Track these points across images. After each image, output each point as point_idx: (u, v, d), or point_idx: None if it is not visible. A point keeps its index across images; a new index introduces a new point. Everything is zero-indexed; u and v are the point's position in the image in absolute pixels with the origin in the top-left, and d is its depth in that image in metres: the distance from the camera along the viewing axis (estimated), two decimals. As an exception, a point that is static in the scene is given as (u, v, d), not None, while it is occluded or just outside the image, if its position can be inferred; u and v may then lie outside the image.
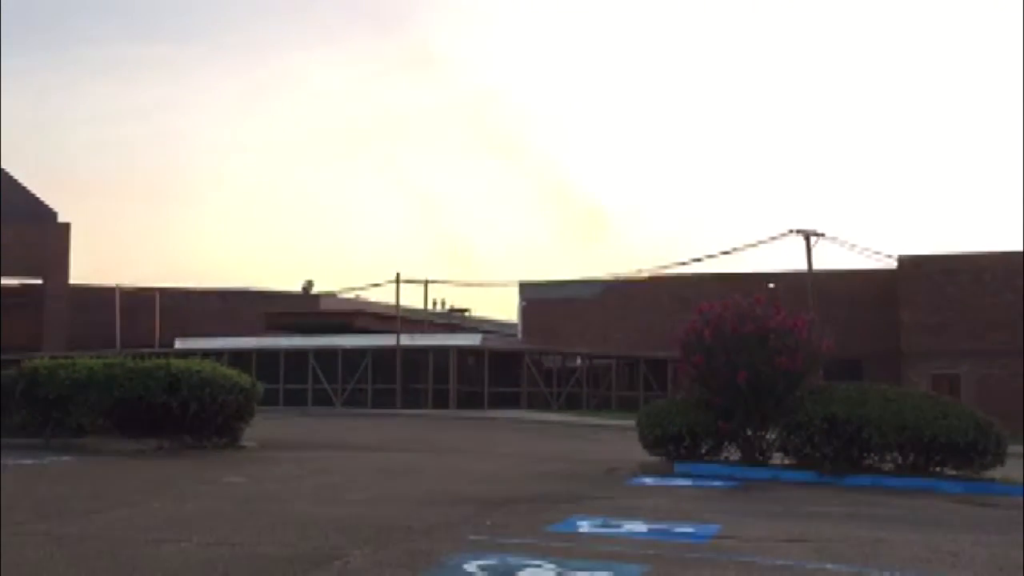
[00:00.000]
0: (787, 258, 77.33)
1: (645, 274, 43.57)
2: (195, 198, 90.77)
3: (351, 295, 49.93)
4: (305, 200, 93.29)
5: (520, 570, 6.21)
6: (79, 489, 10.27)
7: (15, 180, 46.51)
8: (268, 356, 38.31)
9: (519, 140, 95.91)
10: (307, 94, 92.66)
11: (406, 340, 37.99)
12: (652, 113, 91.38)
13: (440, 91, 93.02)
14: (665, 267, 42.47)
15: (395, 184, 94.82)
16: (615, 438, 23.37)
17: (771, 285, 39.05)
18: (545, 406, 37.80)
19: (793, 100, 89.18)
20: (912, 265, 37.46)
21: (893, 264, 38.57)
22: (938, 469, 13.03)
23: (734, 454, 13.99)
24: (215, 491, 10.35)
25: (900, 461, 13.14)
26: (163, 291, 48.44)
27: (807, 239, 36.52)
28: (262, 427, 18.14)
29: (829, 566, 6.63)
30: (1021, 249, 35.85)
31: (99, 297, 46.76)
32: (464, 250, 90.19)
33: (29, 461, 13.13)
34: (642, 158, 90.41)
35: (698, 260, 39.89)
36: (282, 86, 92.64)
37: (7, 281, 44.23)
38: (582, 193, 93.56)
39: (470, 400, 38.13)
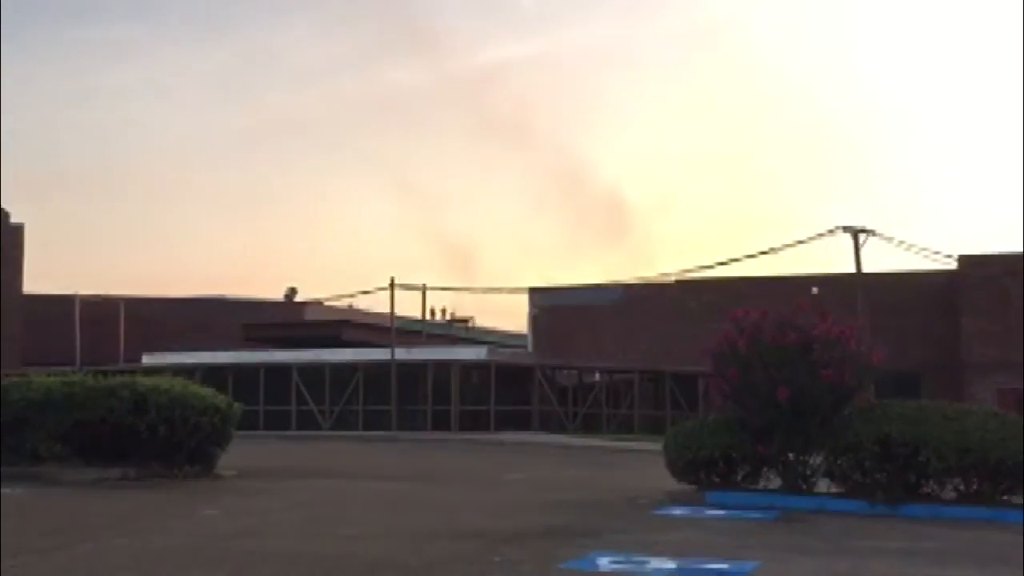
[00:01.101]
0: (833, 259, 76.93)
1: (672, 278, 43.57)
2: (164, 195, 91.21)
3: (340, 303, 50.05)
4: (287, 196, 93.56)
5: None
6: (35, 524, 10.28)
7: (-39, 177, 46.77)
8: (246, 373, 38.35)
9: (526, 125, 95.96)
10: (286, 78, 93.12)
11: (402, 354, 38.01)
12: (680, 92, 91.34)
13: (434, 71, 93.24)
14: (694, 270, 42.46)
15: (388, 178, 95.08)
16: (639, 463, 23.26)
17: (815, 290, 38.98)
18: (559, 427, 37.75)
19: (842, 85, 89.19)
20: (974, 266, 37.36)
21: (952, 265, 38.49)
22: (1006, 497, 12.96)
23: (774, 481, 13.92)
24: (187, 525, 10.35)
25: (962, 488, 13.07)
26: (128, 300, 48.62)
27: (855, 237, 36.44)
28: (240, 453, 18.14)
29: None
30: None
31: (57, 307, 46.93)
32: (466, 251, 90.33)
33: (-22, 492, 13.14)
34: (669, 144, 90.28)
35: (732, 262, 39.72)
36: (259, 68, 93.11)
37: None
38: (600, 185, 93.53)
39: (475, 421, 38.06)
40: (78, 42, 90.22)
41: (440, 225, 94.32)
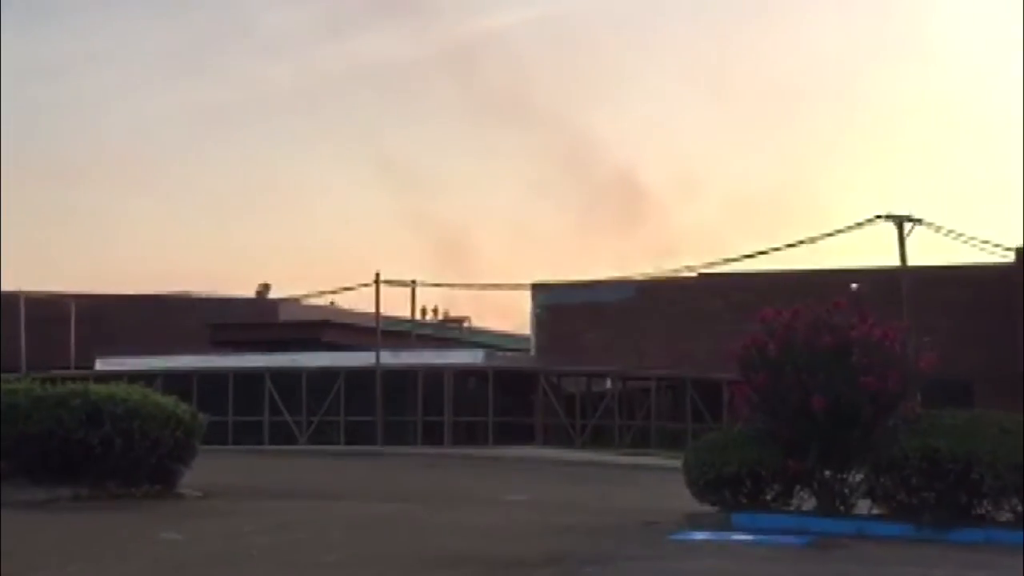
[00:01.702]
0: (874, 251, 76.88)
1: (693, 272, 43.57)
2: (119, 180, 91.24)
3: (319, 301, 50.04)
4: (259, 181, 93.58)
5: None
6: (-25, 550, 10.27)
7: None
8: (213, 380, 38.35)
9: (525, 99, 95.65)
10: (255, 46, 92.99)
11: (388, 358, 38.02)
12: (703, 60, 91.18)
13: (422, 39, 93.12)
14: (718, 263, 42.46)
15: (372, 161, 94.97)
16: (655, 481, 23.23)
17: (854, 286, 38.85)
18: (566, 441, 37.76)
19: (889, 56, 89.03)
20: (1034, 259, 37.30)
21: (1009, 258, 38.46)
22: (1069, 520, 12.96)
23: (808, 501, 13.92)
24: (147, 551, 10.36)
25: (1020, 510, 13.08)
26: (79, 298, 48.61)
27: (899, 227, 36.44)
28: (206, 470, 18.15)
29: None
30: None
31: (-1, 306, 46.89)
32: (460, 243, 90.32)
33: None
34: (689, 120, 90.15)
35: (762, 254, 39.66)
36: (224, 35, 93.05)
37: None
38: (611, 167, 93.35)
39: (470, 434, 38.04)
40: (16, 8, 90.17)
41: (431, 213, 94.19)
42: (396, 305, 49.85)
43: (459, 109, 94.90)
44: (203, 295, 52.20)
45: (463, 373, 38.41)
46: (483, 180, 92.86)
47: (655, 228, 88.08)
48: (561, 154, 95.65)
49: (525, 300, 47.10)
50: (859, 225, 37.76)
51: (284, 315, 48.91)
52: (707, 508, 14.08)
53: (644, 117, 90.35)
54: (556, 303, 45.74)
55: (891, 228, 36.60)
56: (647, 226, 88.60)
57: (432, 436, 36.35)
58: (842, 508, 13.75)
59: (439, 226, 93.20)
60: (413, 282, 45.42)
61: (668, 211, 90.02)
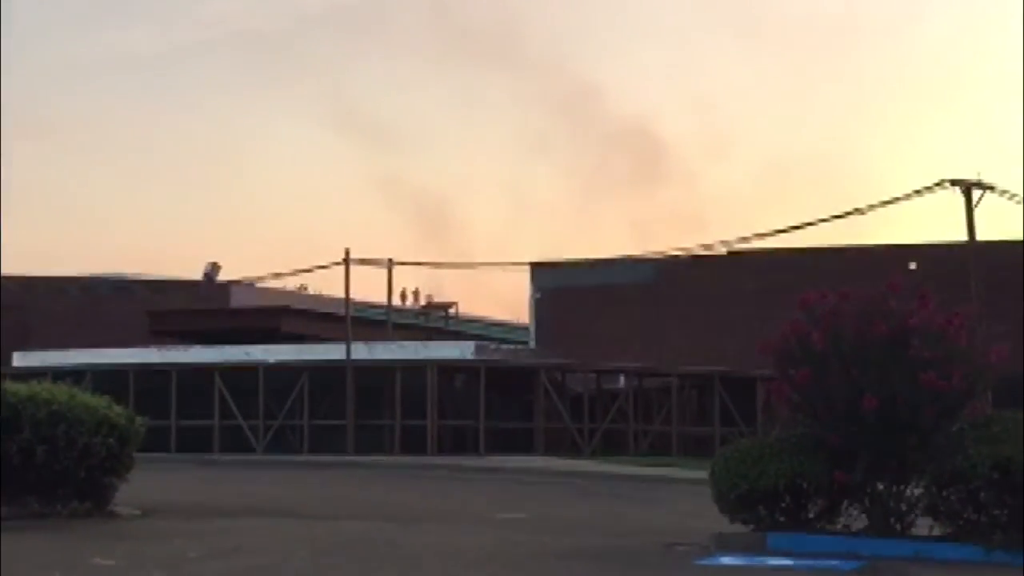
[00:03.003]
0: (936, 224, 76.58)
1: (722, 248, 43.56)
2: (40, 142, 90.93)
3: (277, 285, 50.06)
4: (204, 141, 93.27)
5: None
6: None
7: None
8: (153, 377, 38.38)
9: (515, 36, 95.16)
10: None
11: (361, 352, 38.04)
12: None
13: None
14: (751, 237, 42.42)
15: (336, 114, 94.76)
16: (678, 497, 23.27)
17: (913, 265, 39.02)
18: (572, 450, 37.83)
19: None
20: None
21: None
22: None
23: (857, 520, 13.97)
24: (75, 581, 10.36)
25: (1109, 529, 13.12)
26: (-7, 280, 48.51)
27: (967, 194, 36.41)
28: (146, 484, 18.16)
29: None
30: None
31: None
32: (444, 213, 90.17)
33: None
34: (716, 64, 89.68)
35: (803, 227, 39.63)
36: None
37: None
38: (621, 120, 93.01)
39: (458, 442, 38.08)
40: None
41: (409, 177, 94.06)
42: (370, 289, 50.08)
43: (435, 50, 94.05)
44: (140, 277, 52.16)
45: (449, 369, 38.43)
46: (468, 136, 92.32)
47: (676, 193, 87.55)
48: (560, 103, 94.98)
49: (523, 282, 47.28)
50: (919, 192, 37.75)
51: (236, 301, 48.93)
52: (738, 528, 14.12)
53: (658, 58, 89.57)
54: (560, 286, 45.81)
55: (957, 196, 36.57)
56: (667, 190, 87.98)
57: (413, 444, 36.37)
58: (898, 527, 13.80)
59: (418, 193, 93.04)
60: (389, 261, 45.51)
61: (691, 173, 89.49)
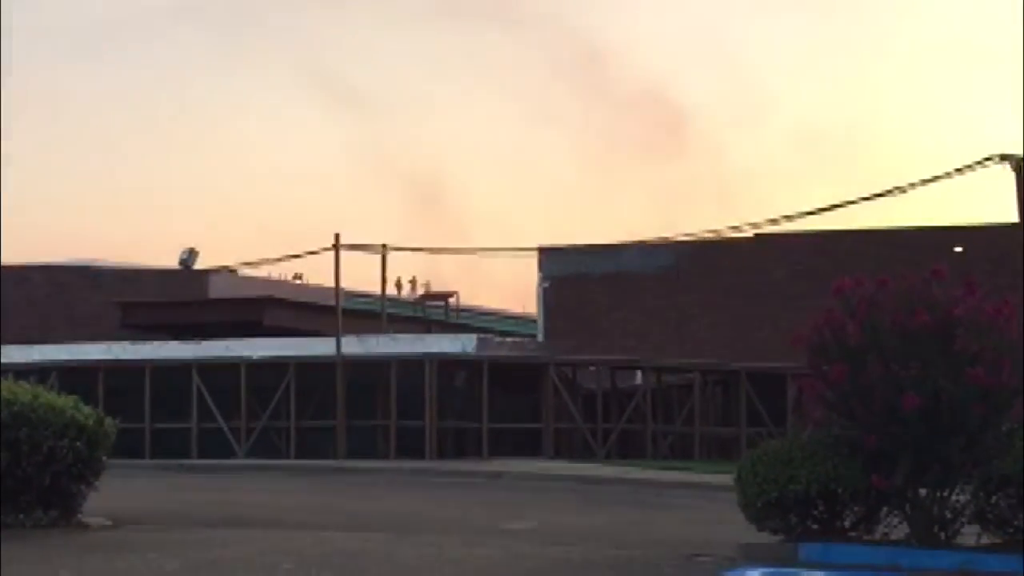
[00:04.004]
0: (985, 203, 76.13)
1: (749, 230, 43.52)
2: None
3: (260, 273, 50.08)
4: (179, 116, 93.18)
5: None
6: None
7: None
8: (125, 375, 38.39)
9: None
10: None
11: (353, 346, 38.01)
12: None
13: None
14: (780, 219, 42.38)
15: (316, 84, 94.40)
16: (700, 503, 23.28)
17: (958, 248, 38.92)
18: (584, 452, 37.83)
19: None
20: None
21: None
22: None
23: (897, 528, 13.98)
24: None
25: None
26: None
27: (1018, 171, 36.35)
28: (117, 492, 18.16)
29: None
30: None
31: None
32: (443, 193, 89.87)
33: None
34: (742, 21, 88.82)
35: (838, 207, 39.50)
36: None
37: None
38: (634, 81, 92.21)
39: (459, 444, 38.04)
40: None
41: (403, 153, 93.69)
42: (361, 277, 50.03)
43: (425, 6, 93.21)
44: (111, 265, 52.16)
45: (449, 365, 38.36)
46: (464, 104, 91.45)
47: (698, 168, 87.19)
48: (566, 65, 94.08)
49: (529, 269, 47.19)
50: (962, 170, 37.71)
51: (216, 291, 48.88)
52: (767, 537, 14.14)
53: (675, 14, 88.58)
54: (570, 273, 45.74)
55: (1007, 173, 36.52)
56: (688, 165, 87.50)
57: (409, 447, 36.36)
58: (942, 536, 13.80)
59: (413, 170, 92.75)
60: (383, 246, 45.52)
61: (715, 145, 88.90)
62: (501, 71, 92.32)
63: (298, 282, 53.04)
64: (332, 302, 40.24)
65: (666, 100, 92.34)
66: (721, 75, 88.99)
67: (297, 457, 36.78)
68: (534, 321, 48.40)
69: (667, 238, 45.43)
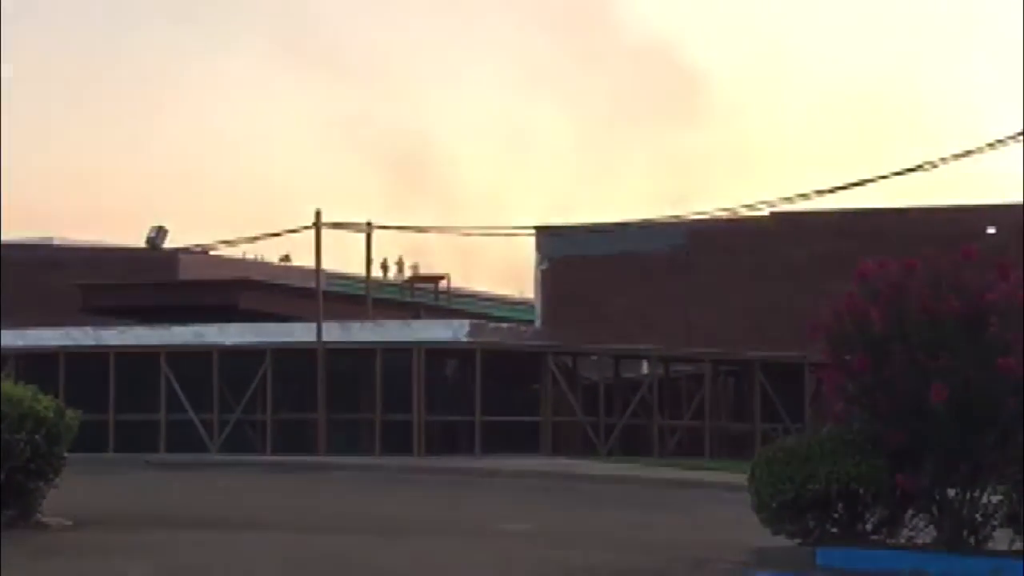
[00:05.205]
0: (1019, 182, 76.12)
1: (765, 209, 43.48)
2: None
3: (234, 253, 50.03)
4: (144, 81, 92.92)
5: None
6: None
7: None
8: (88, 362, 38.41)
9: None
10: None
11: (335, 332, 38.03)
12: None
13: None
14: (797, 197, 42.35)
15: (290, 47, 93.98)
16: (710, 504, 23.32)
17: (991, 229, 38.98)
18: (585, 449, 37.90)
19: None
20: None
21: None
22: None
23: (924, 531, 14.01)
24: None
25: None
26: None
27: (1056, 145, 36.41)
28: (79, 489, 18.19)
29: None
30: None
31: None
32: (431, 166, 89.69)
33: None
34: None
35: (861, 184, 39.44)
36: None
37: None
38: (639, 40, 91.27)
39: (450, 439, 38.06)
40: None
41: (387, 122, 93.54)
42: (344, 258, 49.92)
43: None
44: (72, 244, 52.13)
45: (439, 353, 38.44)
46: (452, 66, 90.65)
47: (709, 139, 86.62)
48: (564, 23, 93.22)
49: (526, 250, 47.22)
50: (998, 143, 37.71)
51: (186, 272, 48.88)
52: (782, 541, 14.17)
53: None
54: (570, 255, 45.74)
55: (1044, 147, 36.55)
56: (698, 135, 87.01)
57: (396, 442, 36.41)
58: (972, 540, 13.82)
59: (400, 141, 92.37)
60: (368, 224, 45.40)
61: (727, 114, 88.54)
62: (490, 30, 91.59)
63: (285, 264, 52.99)
64: (312, 285, 40.20)
65: (676, 61, 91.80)
66: (738, 33, 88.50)
67: (274, 452, 36.80)
68: (531, 306, 48.42)
69: (676, 216, 45.26)
